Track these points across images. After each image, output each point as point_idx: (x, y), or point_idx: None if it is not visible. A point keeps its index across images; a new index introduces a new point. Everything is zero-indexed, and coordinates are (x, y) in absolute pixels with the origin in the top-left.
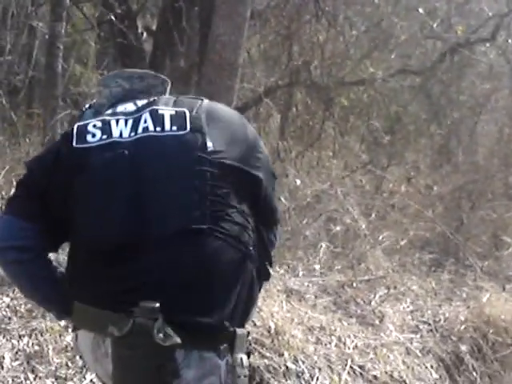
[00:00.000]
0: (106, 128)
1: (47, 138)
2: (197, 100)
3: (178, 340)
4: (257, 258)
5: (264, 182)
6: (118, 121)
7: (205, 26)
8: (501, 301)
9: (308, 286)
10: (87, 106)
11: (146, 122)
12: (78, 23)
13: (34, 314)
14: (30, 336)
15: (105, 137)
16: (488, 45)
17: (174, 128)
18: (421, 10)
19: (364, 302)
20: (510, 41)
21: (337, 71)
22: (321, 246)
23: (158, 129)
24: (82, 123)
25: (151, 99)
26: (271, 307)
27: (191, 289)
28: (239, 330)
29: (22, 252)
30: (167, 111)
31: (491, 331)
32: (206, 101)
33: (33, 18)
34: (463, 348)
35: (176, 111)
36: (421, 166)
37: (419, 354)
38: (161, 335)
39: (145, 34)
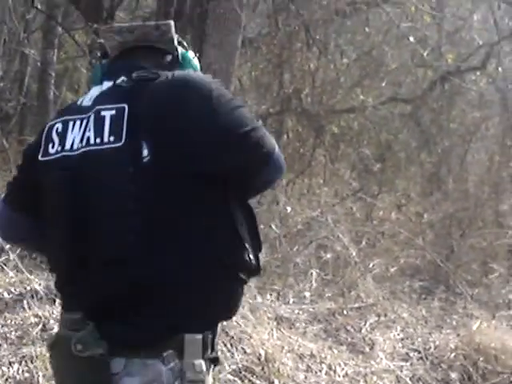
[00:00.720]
0: (62, 135)
1: None
2: (146, 83)
3: (100, 351)
4: (223, 255)
5: (230, 154)
6: (74, 123)
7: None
8: (491, 329)
9: (298, 313)
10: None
11: (90, 129)
12: (70, 50)
13: (24, 341)
14: (20, 363)
15: (59, 149)
16: (478, 73)
17: (112, 138)
18: (411, 39)
19: (354, 329)
20: (500, 69)
21: (327, 99)
22: (311, 274)
23: (98, 140)
24: (52, 123)
25: (114, 82)
26: (261, 334)
27: (126, 302)
28: (189, 336)
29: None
30: (108, 111)
31: (481, 359)
32: (160, 80)
33: (25, 45)
34: (453, 376)
35: (116, 110)
36: (411, 193)
37: (409, 382)
38: (79, 346)
39: None
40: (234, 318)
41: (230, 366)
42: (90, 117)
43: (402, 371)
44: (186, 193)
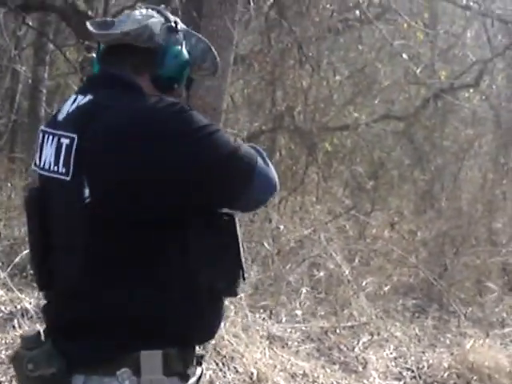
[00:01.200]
0: (40, 148)
1: (28, 182)
2: (102, 111)
3: (52, 370)
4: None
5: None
6: (48, 138)
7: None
8: (484, 347)
9: (291, 332)
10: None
11: (52, 153)
12: (62, 67)
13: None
14: (11, 382)
15: (37, 162)
16: (471, 90)
17: (63, 170)
18: (404, 56)
19: (347, 348)
20: (493, 86)
21: (320, 116)
22: (304, 292)
23: (55, 168)
24: (40, 128)
25: (80, 99)
26: (253, 353)
27: (81, 326)
28: (145, 353)
29: None
30: (65, 139)
31: (475, 378)
32: (116, 111)
33: (16, 62)
34: None
35: (70, 139)
36: (404, 211)
37: None
38: (30, 366)
39: None
40: (226, 337)
41: None
42: (54, 138)
43: None
44: (131, 233)
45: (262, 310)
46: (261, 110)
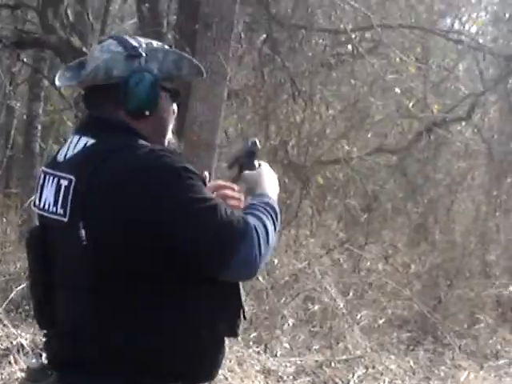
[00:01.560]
0: (40, 189)
1: (23, 218)
2: (105, 159)
3: None
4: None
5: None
6: (49, 179)
7: (182, 107)
8: (479, 380)
9: (286, 365)
10: None
11: (51, 194)
12: (57, 103)
13: None
14: None
15: (37, 203)
16: (464, 123)
17: (61, 211)
18: (397, 90)
19: (342, 381)
20: (485, 119)
21: (313, 150)
22: (299, 325)
23: (54, 209)
24: (41, 169)
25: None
26: None
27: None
28: None
29: None
30: (63, 181)
31: None
32: (114, 160)
33: (11, 98)
34: None
35: (68, 181)
36: (398, 244)
37: None
38: None
39: None
40: (221, 371)
41: None
42: (54, 179)
43: None
44: (129, 275)
45: (256, 344)
46: None
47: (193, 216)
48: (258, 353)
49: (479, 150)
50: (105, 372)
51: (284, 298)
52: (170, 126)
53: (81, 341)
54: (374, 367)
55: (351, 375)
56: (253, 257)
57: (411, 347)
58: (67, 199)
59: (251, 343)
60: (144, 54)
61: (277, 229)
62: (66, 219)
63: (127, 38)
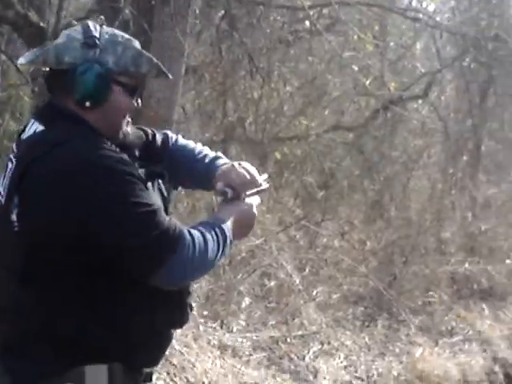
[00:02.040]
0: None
1: None
2: (49, 144)
3: None
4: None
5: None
6: (9, 161)
7: None
8: (434, 356)
9: (242, 341)
10: None
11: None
12: (14, 78)
13: None
14: None
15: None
16: (420, 101)
17: (2, 193)
18: (354, 67)
19: (298, 357)
20: (442, 98)
21: (271, 127)
22: (255, 301)
23: (1, 188)
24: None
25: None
26: (205, 363)
27: (18, 341)
28: (90, 367)
29: None
30: (11, 162)
31: None
32: (60, 149)
33: None
34: None
35: (12, 163)
36: (354, 221)
37: None
38: None
39: None
40: (177, 347)
41: None
42: (9, 159)
43: None
44: (54, 261)
45: (213, 320)
46: (212, 120)
47: (126, 220)
48: (214, 328)
49: (435, 128)
50: (40, 353)
51: (240, 274)
52: (125, 120)
53: (16, 318)
54: (329, 343)
55: (307, 351)
56: (181, 269)
57: (366, 323)
58: (7, 181)
59: (207, 319)
60: (100, 45)
61: (224, 253)
62: (3, 200)
63: (93, 26)
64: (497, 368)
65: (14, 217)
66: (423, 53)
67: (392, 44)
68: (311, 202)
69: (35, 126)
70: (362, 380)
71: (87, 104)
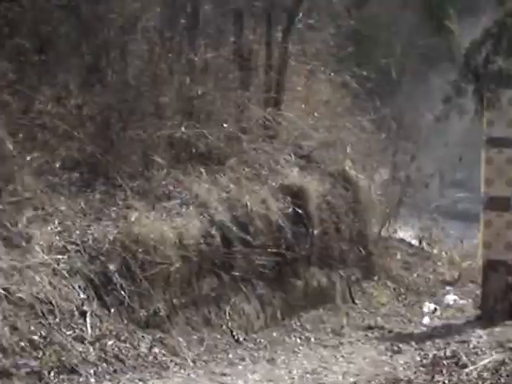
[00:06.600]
0: None
1: None
2: None
3: None
4: None
5: None
6: None
7: None
8: (150, 220)
9: None
10: None
11: None
12: None
13: None
14: None
15: None
16: None
17: None
18: None
19: (11, 223)
20: None
21: None
22: None
23: None
24: None
25: None
26: None
27: None
28: None
29: None
30: None
31: (140, 250)
32: None
33: None
34: (111, 267)
35: None
36: (71, 86)
37: (67, 275)
38: None
39: None
40: None
41: None
42: None
43: (58, 264)
44: None
45: None
46: None
47: None
48: None
49: None
50: None
51: None
52: None
53: None
54: (43, 209)
55: (20, 217)
56: None
57: (83, 189)
58: None
59: None
60: None
61: None
62: None
63: None
64: (213, 231)
65: None
66: None
67: None
68: (27, 66)
69: None
70: (77, 245)
71: None
